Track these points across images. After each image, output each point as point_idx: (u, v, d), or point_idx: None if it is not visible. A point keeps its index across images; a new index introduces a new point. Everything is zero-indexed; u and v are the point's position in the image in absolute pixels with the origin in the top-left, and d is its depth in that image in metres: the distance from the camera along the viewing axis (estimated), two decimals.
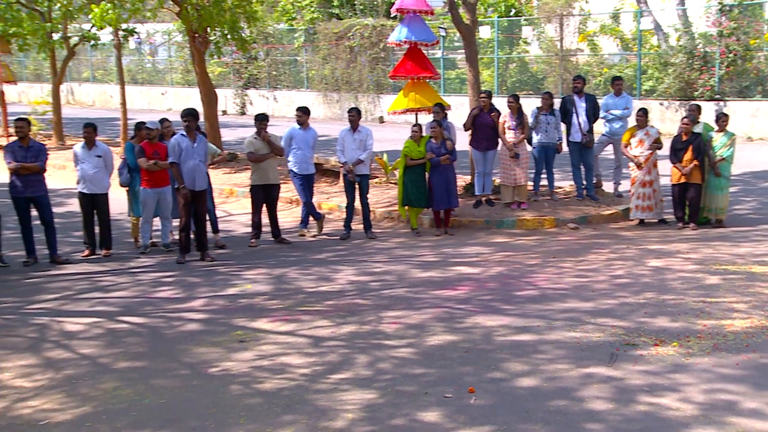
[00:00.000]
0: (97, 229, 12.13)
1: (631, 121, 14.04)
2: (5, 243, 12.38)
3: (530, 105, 15.07)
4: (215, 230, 12.58)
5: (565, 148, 14.36)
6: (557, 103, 14.47)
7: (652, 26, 26.81)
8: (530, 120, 13.93)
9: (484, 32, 28.55)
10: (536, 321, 8.58)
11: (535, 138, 14.01)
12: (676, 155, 12.76)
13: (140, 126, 12.34)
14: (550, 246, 12.12)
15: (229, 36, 18.85)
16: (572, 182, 14.78)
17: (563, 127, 14.27)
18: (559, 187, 15.04)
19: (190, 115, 11.50)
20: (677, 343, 7.70)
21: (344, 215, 13.25)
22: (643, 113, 13.30)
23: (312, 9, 33.69)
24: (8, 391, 7.08)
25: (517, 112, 13.75)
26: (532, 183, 14.35)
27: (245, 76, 34.07)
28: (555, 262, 11.08)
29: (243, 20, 19.41)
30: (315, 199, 13.51)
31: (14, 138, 11.74)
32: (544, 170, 14.38)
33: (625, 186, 14.37)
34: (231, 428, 6.20)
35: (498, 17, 29.67)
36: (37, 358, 7.89)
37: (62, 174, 18.81)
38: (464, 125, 13.97)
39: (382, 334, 8.34)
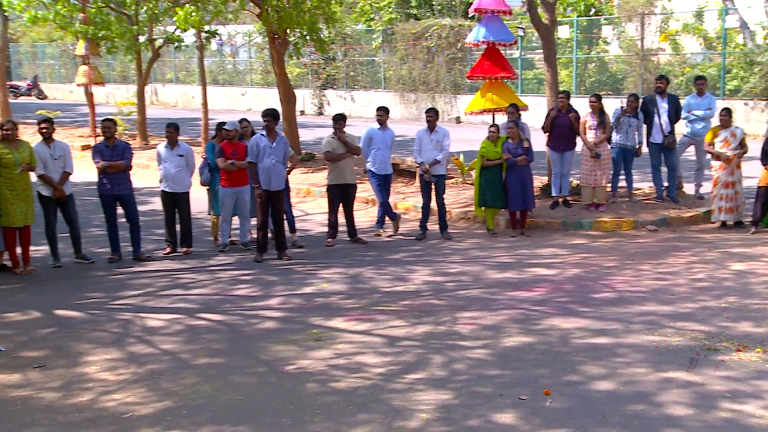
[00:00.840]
0: (178, 227, 12.39)
1: (714, 122, 13.72)
2: (91, 240, 12.78)
3: (609, 105, 14.83)
4: (292, 230, 12.73)
5: (645, 149, 14.13)
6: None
7: (737, 24, 26.11)
8: (612, 120, 13.73)
9: (563, 32, 28.23)
10: (614, 324, 8.47)
11: (615, 138, 13.80)
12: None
13: (221, 126, 12.56)
14: (629, 248, 11.94)
15: (308, 37, 19.05)
16: (651, 184, 14.52)
17: (644, 128, 14.04)
18: (638, 189, 14.79)
19: (270, 115, 11.66)
20: (761, 349, 7.51)
21: (420, 215, 13.27)
22: (727, 113, 12.99)
23: (390, 10, 33.79)
24: (94, 383, 7.29)
25: (599, 111, 13.58)
26: (609, 184, 14.15)
27: (323, 76, 34.37)
28: (633, 265, 10.91)
29: (322, 21, 19.61)
30: (391, 199, 13.56)
31: (101, 138, 12.08)
32: (622, 171, 14.16)
33: (706, 188, 14.05)
34: (307, 426, 6.28)
35: (577, 17, 29.31)
36: (120, 353, 8.12)
37: (146, 173, 19.25)
38: (543, 127, 13.86)
39: (457, 334, 8.34)
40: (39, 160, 11.39)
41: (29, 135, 19.55)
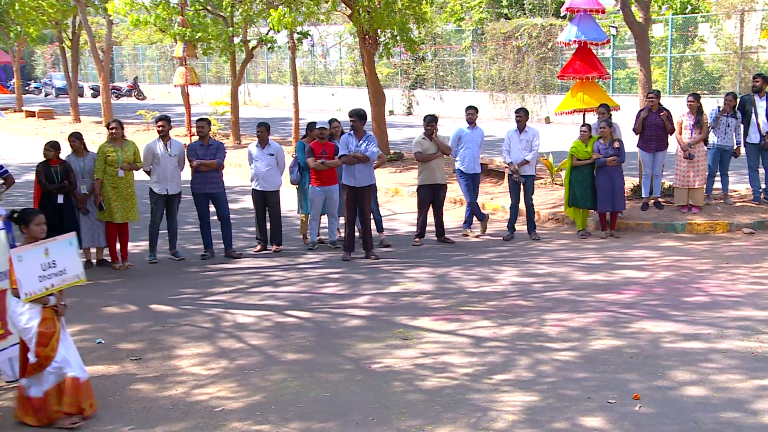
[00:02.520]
0: (268, 226, 12.59)
1: None
2: (185, 237, 13.11)
3: (704, 105, 14.44)
4: (379, 229, 12.81)
5: (742, 149, 13.75)
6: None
7: None
8: (710, 120, 13.39)
9: (657, 30, 27.62)
10: (706, 328, 8.28)
11: (712, 139, 13.45)
12: None
13: (312, 126, 12.72)
14: (723, 251, 11.63)
15: (398, 37, 19.15)
16: (748, 185, 14.11)
17: (742, 128, 13.66)
18: (734, 191, 14.39)
19: (357, 114, 11.77)
20: None
21: (508, 216, 13.19)
22: None
23: (480, 9, 33.65)
24: (187, 377, 7.50)
25: (696, 111, 13.26)
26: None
27: (413, 76, 34.46)
28: (728, 268, 10.64)
29: (412, 21, 19.68)
30: (479, 200, 13.52)
31: (196, 137, 12.38)
32: (718, 173, 13.80)
33: None
34: (393, 424, 6.33)
35: (673, 14, 28.66)
36: (212, 347, 8.32)
37: (238, 172, 19.64)
38: (634, 129, 13.59)
39: (544, 336, 8.28)
40: (152, 157, 11.74)
41: (129, 134, 20.15)
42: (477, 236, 13.13)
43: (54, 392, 6.47)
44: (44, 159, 11.16)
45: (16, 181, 10.48)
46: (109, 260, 11.83)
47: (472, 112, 13.05)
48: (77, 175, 11.30)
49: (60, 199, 11.08)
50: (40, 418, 6.48)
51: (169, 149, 11.82)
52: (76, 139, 11.60)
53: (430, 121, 12.68)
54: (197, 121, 12.33)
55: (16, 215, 6.84)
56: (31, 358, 6.47)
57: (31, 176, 11.29)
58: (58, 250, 6.60)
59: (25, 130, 31.50)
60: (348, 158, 11.62)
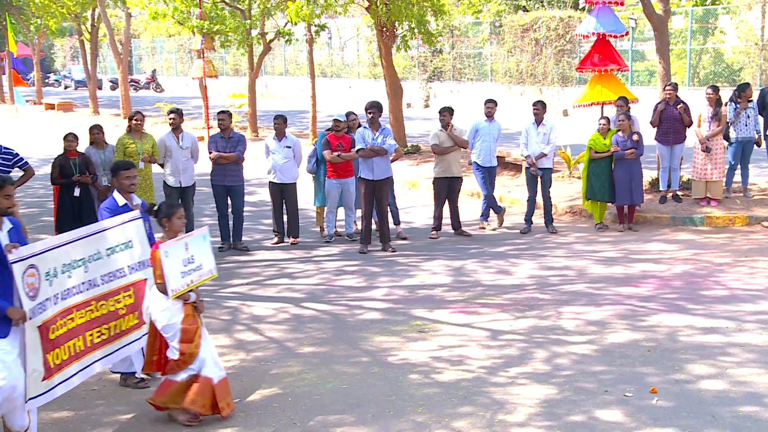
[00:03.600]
0: (285, 218, 12.61)
1: None
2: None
3: (725, 98, 14.33)
4: (396, 221, 12.81)
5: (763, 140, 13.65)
6: (755, 95, 13.72)
7: None
8: (730, 114, 13.28)
9: (677, 22, 27.44)
10: (724, 322, 8.24)
11: (733, 135, 13.33)
12: None
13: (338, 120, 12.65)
14: (742, 245, 11.56)
15: (416, 30, 19.12)
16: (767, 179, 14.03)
17: (761, 120, 13.55)
18: (753, 184, 14.28)
19: (374, 107, 11.76)
20: None
21: (525, 209, 13.16)
22: None
23: (498, 1, 33.52)
24: None
25: (715, 103, 13.17)
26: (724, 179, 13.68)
27: (430, 69, 34.39)
28: (747, 262, 10.58)
29: (430, 14, 19.64)
30: (496, 192, 13.49)
31: (214, 130, 12.40)
32: (739, 166, 13.69)
33: None
34: (409, 416, 6.35)
35: (693, 6, 28.45)
36: (229, 339, 8.36)
37: (255, 164, 19.68)
38: (651, 122, 13.50)
39: (561, 329, 8.27)
40: (165, 149, 11.79)
41: (148, 127, 20.22)
42: (494, 229, 13.10)
43: (182, 386, 6.35)
44: (63, 151, 11.21)
45: (36, 172, 10.55)
46: None
47: (491, 106, 13.01)
48: (98, 167, 11.36)
49: (77, 191, 11.12)
50: (155, 398, 6.41)
51: (180, 142, 11.85)
52: (99, 131, 11.66)
53: (445, 113, 12.65)
54: (218, 113, 12.37)
55: (156, 208, 6.72)
56: (172, 354, 6.36)
57: (49, 168, 11.36)
58: (195, 245, 6.51)
59: (44, 122, 31.69)
60: (365, 152, 11.62)
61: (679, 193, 13.67)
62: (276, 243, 12.54)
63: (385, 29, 19.00)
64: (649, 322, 8.35)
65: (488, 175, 13.00)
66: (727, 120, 13.20)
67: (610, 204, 12.95)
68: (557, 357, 7.51)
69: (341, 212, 12.89)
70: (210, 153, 12.01)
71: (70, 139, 11.26)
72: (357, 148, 11.74)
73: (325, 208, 12.62)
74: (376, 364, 7.51)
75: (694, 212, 13.09)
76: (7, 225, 5.90)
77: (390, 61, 19.76)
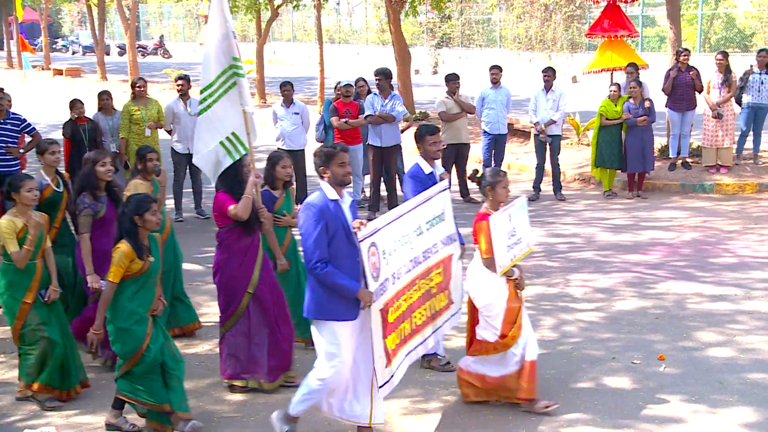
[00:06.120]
0: (294, 186, 12.57)
1: None
2: (210, 195, 13.12)
3: (736, 63, 14.20)
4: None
5: None
6: None
7: None
8: (738, 81, 13.15)
9: None
10: (733, 290, 8.24)
11: (746, 99, 13.22)
12: None
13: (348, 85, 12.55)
14: (751, 212, 11.53)
15: None
16: None
17: None
18: (764, 151, 14.19)
19: (382, 74, 11.69)
20: None
21: (534, 176, 13.12)
22: None
23: None
24: (212, 334, 7.56)
25: (725, 69, 13.05)
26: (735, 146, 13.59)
27: (439, 35, 34.16)
28: (756, 229, 10.55)
29: None
30: (505, 160, 13.42)
31: None
32: (751, 133, 13.59)
33: None
34: (416, 378, 6.35)
35: None
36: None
37: (263, 131, 19.62)
38: (663, 89, 13.35)
39: (569, 296, 8.28)
40: (172, 116, 11.76)
41: (155, 93, 20.20)
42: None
43: (515, 376, 5.90)
44: (70, 118, 11.18)
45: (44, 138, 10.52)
46: None
47: (495, 72, 12.90)
48: (105, 133, 11.34)
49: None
50: (489, 393, 6.04)
51: (188, 108, 11.81)
52: (108, 97, 11.63)
53: (452, 80, 12.57)
54: None
55: (479, 175, 6.16)
56: (490, 336, 5.91)
57: (59, 134, 11.33)
58: (517, 215, 6.06)
59: (53, 88, 31.64)
60: (373, 118, 11.57)
61: (689, 160, 13.60)
62: None
63: None
64: (658, 290, 8.35)
65: (496, 143, 12.94)
66: (738, 84, 13.02)
67: (619, 171, 12.90)
68: (565, 324, 7.53)
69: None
70: None
71: (78, 105, 11.23)
72: (366, 114, 11.68)
73: None
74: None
75: (704, 179, 13.03)
76: (347, 199, 5.60)
77: (398, 27, 19.61)
